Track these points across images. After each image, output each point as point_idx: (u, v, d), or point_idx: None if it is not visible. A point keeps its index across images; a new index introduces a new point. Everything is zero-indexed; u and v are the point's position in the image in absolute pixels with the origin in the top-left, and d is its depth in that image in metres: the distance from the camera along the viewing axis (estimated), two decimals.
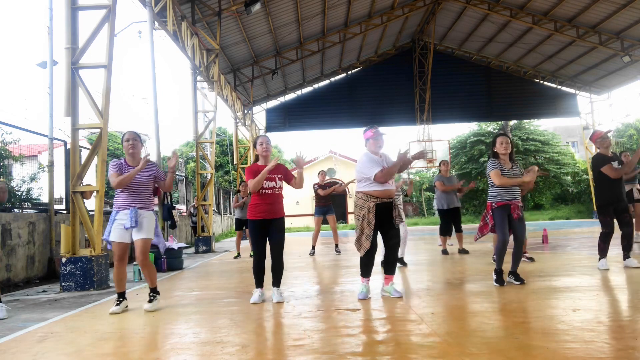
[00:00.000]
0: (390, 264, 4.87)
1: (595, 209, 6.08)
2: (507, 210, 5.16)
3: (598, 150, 6.07)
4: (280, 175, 4.90)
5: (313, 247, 10.24)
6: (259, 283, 4.92)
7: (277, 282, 4.92)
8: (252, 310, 4.46)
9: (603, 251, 5.95)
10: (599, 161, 5.93)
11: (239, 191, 11.00)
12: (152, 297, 4.73)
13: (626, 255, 5.98)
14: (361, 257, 4.80)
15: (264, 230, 4.83)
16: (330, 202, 10.14)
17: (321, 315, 4.16)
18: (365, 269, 4.81)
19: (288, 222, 32.19)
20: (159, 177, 4.82)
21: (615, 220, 5.94)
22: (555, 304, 4.15)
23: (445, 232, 9.11)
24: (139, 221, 4.57)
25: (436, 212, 9.57)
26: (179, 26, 11.77)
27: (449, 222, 9.07)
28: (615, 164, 5.84)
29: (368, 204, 4.67)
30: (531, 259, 7.08)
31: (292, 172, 5.07)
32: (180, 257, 8.82)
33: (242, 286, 5.99)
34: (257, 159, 5.02)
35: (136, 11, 65.63)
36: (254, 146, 5.02)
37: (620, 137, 29.19)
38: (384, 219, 4.73)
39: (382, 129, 4.96)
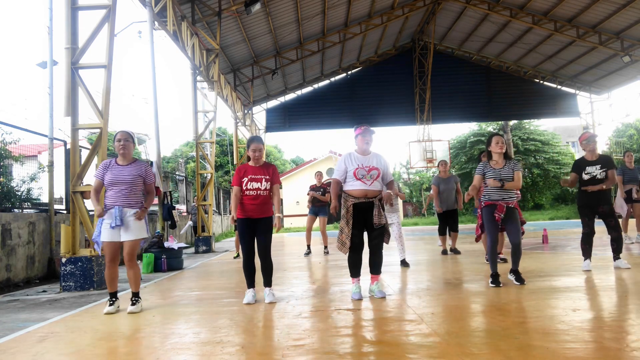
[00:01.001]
0: (374, 263, 4.88)
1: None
2: (495, 210, 5.22)
3: (584, 152, 6.10)
4: (267, 177, 4.82)
5: (308, 247, 10.17)
6: (251, 283, 4.91)
7: (268, 282, 4.89)
8: (252, 311, 4.46)
9: (585, 252, 6.00)
10: (573, 165, 6.12)
11: None
12: (134, 301, 4.67)
13: (616, 257, 6.00)
14: (348, 257, 4.82)
15: (252, 229, 4.81)
16: (325, 204, 10.06)
17: (321, 315, 4.16)
18: (354, 269, 4.82)
19: (288, 222, 32.40)
20: (146, 179, 4.77)
21: (604, 222, 5.95)
22: (555, 304, 4.15)
23: (443, 231, 9.14)
24: (124, 220, 4.56)
25: (435, 212, 9.59)
26: (179, 26, 11.77)
27: (446, 222, 9.08)
28: (595, 167, 5.85)
29: (347, 203, 4.72)
30: (504, 260, 6.96)
31: (275, 204, 4.97)
32: (180, 257, 8.82)
33: (242, 286, 5.97)
34: (248, 158, 4.97)
35: (136, 11, 65.64)
36: (247, 147, 4.94)
37: (620, 137, 29.17)
38: (366, 219, 4.74)
39: (379, 129, 4.99)
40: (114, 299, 4.67)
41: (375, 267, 4.87)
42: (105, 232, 4.56)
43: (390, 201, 5.04)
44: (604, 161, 5.91)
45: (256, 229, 4.81)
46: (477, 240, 5.75)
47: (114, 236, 4.56)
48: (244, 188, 4.78)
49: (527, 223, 5.51)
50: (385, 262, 6.95)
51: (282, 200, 32.46)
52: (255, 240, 4.85)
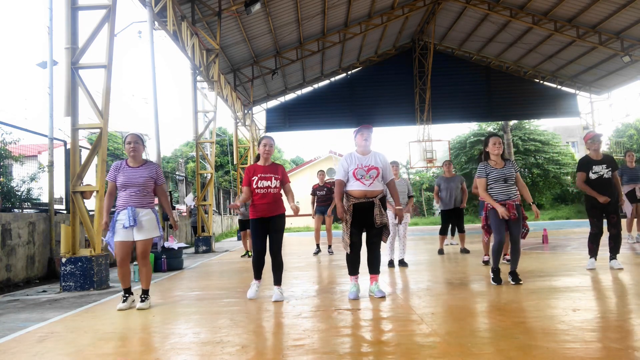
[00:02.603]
0: (372, 263, 4.89)
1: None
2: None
3: (588, 151, 6.10)
4: (277, 176, 4.94)
5: (317, 246, 10.20)
6: (258, 275, 5.04)
7: (278, 281, 4.95)
8: (252, 310, 4.46)
9: (592, 251, 6.02)
10: (579, 164, 6.07)
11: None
12: (143, 298, 4.76)
13: (612, 257, 5.97)
14: (346, 256, 4.85)
15: (264, 228, 4.91)
16: (330, 202, 10.10)
17: (321, 315, 4.16)
18: (351, 267, 4.84)
19: (288, 222, 32.28)
20: (157, 180, 4.84)
21: (606, 219, 5.94)
22: (555, 304, 4.15)
23: (444, 231, 9.16)
24: (137, 220, 4.63)
25: (437, 211, 9.66)
26: (179, 26, 11.76)
27: (448, 223, 9.12)
28: (602, 167, 5.85)
29: (347, 202, 4.75)
30: (509, 261, 6.90)
31: (289, 199, 4.98)
32: (180, 257, 8.82)
33: (242, 286, 5.99)
34: (257, 158, 5.07)
35: (136, 11, 65.63)
36: (259, 144, 5.09)
37: (620, 137, 29.17)
38: (365, 218, 4.75)
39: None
40: (127, 295, 4.76)
41: (374, 267, 4.89)
42: (119, 233, 4.64)
43: (401, 218, 5.10)
44: (609, 161, 5.92)
45: (268, 228, 4.90)
46: (484, 242, 5.75)
47: (128, 236, 4.64)
48: (254, 187, 4.90)
49: (527, 223, 5.51)
50: (384, 261, 6.98)
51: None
52: (268, 238, 4.95)
